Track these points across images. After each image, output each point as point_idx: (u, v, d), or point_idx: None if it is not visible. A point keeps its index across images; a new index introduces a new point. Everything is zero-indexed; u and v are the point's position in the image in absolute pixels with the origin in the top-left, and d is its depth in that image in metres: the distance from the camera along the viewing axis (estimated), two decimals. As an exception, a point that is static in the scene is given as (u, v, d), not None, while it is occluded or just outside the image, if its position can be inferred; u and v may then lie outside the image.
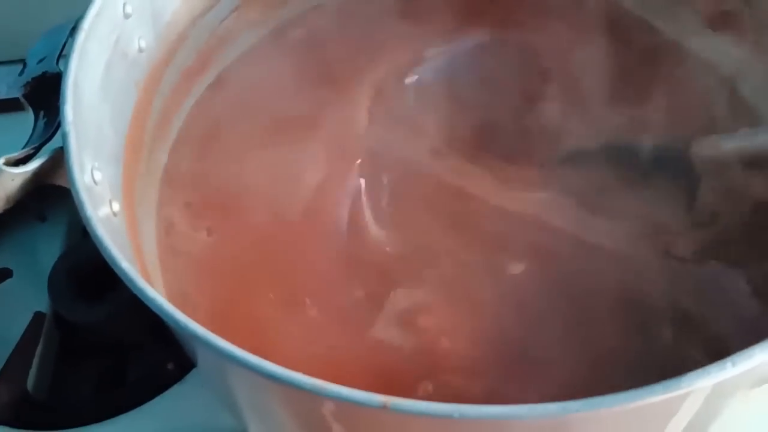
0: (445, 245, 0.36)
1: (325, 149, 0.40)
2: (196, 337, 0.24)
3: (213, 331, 0.24)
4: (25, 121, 0.54)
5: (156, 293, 0.25)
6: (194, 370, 0.42)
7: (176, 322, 0.24)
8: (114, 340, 0.46)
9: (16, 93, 0.53)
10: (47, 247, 0.48)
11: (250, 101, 0.42)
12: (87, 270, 0.45)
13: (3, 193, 0.28)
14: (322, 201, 0.38)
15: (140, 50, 0.36)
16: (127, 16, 0.35)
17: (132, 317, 0.44)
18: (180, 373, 0.42)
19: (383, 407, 0.22)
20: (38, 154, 0.30)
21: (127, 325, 0.44)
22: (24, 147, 0.31)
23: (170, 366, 0.42)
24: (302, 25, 0.45)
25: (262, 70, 0.43)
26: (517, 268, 0.36)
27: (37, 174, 0.29)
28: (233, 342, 0.26)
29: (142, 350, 0.45)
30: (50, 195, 0.41)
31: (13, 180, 0.28)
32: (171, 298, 0.36)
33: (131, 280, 0.25)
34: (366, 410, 0.23)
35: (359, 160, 0.40)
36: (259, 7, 0.44)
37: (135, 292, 0.25)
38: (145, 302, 0.25)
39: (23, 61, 0.43)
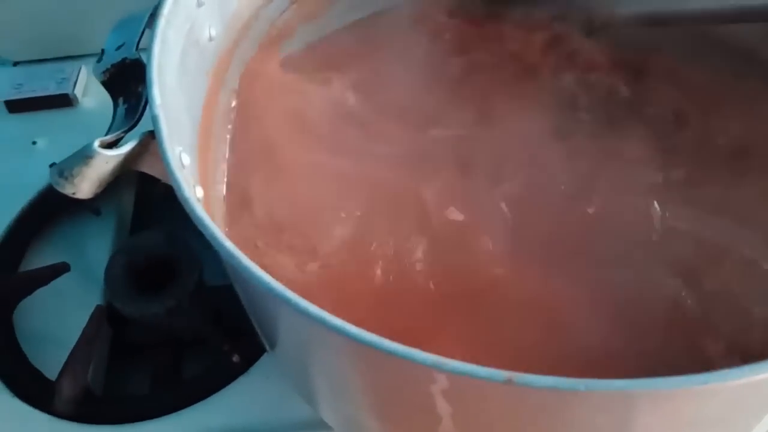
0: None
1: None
2: (307, 313, 0.23)
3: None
4: (74, 117, 0.54)
5: (264, 273, 0.25)
6: (260, 361, 0.42)
7: (290, 301, 0.24)
8: (171, 334, 0.46)
9: (67, 89, 0.53)
10: (100, 242, 0.48)
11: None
12: (143, 264, 0.45)
13: (96, 176, 0.28)
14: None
15: (210, 39, 0.36)
16: (200, 4, 0.35)
17: (192, 310, 0.44)
18: (245, 366, 0.42)
19: (508, 382, 0.22)
20: (125, 139, 0.30)
21: (187, 319, 0.44)
22: (106, 134, 0.31)
23: (235, 358, 0.42)
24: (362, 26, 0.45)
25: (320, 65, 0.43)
26: None
27: (127, 159, 0.29)
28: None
29: (199, 345, 0.45)
30: (103, 190, 0.41)
31: (107, 163, 0.28)
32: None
33: (239, 261, 0.25)
34: (487, 385, 0.22)
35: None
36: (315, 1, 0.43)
37: (243, 272, 0.25)
38: (254, 280, 0.24)
39: (76, 57, 0.43)
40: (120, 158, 0.29)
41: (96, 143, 0.28)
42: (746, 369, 0.21)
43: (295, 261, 0.35)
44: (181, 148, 0.30)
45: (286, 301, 0.24)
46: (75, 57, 0.55)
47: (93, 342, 0.43)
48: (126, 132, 0.31)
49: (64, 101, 0.53)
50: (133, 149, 0.29)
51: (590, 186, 0.37)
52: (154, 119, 0.28)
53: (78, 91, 0.54)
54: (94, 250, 0.48)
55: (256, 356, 0.42)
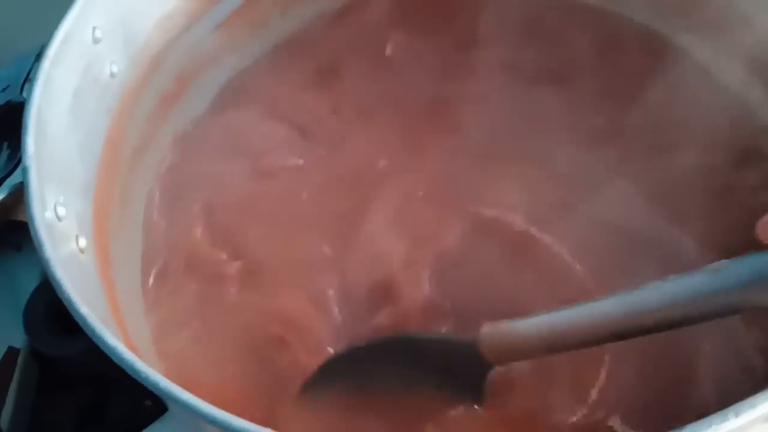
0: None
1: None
2: (158, 389, 0.22)
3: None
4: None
5: (116, 342, 0.23)
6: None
7: (135, 372, 0.22)
8: (93, 373, 0.45)
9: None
10: (24, 278, 0.47)
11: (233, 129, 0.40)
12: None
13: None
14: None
15: (112, 75, 0.35)
16: (96, 40, 0.33)
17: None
18: (159, 411, 0.40)
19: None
20: (1, 188, 0.28)
21: (107, 359, 0.42)
22: (-13, 181, 0.29)
23: (148, 403, 0.40)
24: (291, 46, 0.44)
25: (247, 94, 0.42)
26: None
27: (-3, 210, 0.28)
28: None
29: (121, 384, 0.43)
30: (26, 225, 0.40)
31: (-31, 218, 0.27)
32: (158, 332, 0.35)
33: (90, 327, 0.23)
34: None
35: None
36: (243, 27, 0.42)
37: (93, 339, 0.23)
38: (104, 351, 0.23)
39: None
40: (-15, 211, 0.27)
41: (-43, 197, 0.26)
42: None
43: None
44: (61, 198, 0.29)
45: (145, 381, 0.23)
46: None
47: (4, 385, 0.41)
48: (4, 179, 0.29)
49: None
50: (4, 201, 0.28)
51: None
52: (24, 170, 0.27)
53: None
54: (15, 287, 0.46)
55: (169, 402, 0.40)
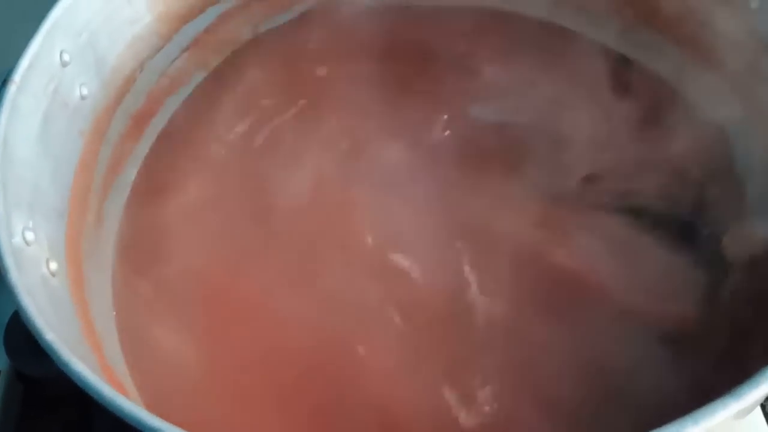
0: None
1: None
2: (126, 416, 0.22)
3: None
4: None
5: (83, 368, 0.23)
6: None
7: (102, 399, 0.22)
8: (76, 392, 0.45)
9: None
10: (3, 300, 0.46)
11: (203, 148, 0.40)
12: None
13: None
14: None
15: (82, 98, 0.35)
16: (65, 64, 0.34)
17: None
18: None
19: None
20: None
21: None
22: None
23: (130, 422, 0.40)
24: (257, 64, 0.44)
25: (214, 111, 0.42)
26: None
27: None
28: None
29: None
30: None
31: (-64, 247, 0.27)
32: (130, 352, 0.35)
33: (56, 354, 0.23)
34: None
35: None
36: (212, 46, 0.42)
37: (59, 365, 0.23)
38: (71, 377, 0.23)
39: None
40: (-49, 241, 0.27)
41: None
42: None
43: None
44: (30, 223, 0.29)
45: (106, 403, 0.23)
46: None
47: (-14, 408, 0.41)
48: (-27, 206, 0.29)
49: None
50: (-29, 227, 0.28)
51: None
52: (-11, 198, 0.27)
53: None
54: (-2, 308, 0.46)
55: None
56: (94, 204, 0.36)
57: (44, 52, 0.32)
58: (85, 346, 0.30)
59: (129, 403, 0.22)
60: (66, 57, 0.34)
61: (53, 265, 0.30)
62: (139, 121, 0.40)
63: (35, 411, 0.45)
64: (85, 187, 0.35)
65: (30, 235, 0.29)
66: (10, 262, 0.26)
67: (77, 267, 0.33)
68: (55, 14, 0.33)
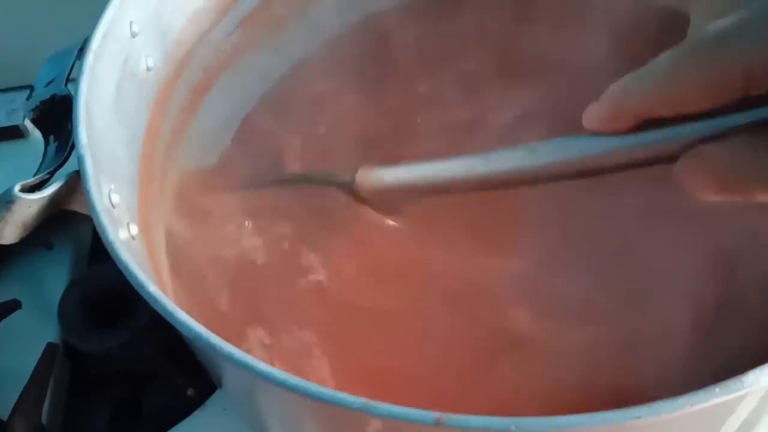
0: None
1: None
2: (231, 359, 0.23)
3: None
4: (25, 148, 0.53)
5: (187, 316, 0.24)
6: (216, 394, 0.41)
7: (210, 344, 0.23)
8: (128, 368, 0.45)
9: (17, 120, 0.52)
10: (55, 276, 0.47)
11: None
12: (97, 297, 0.44)
13: (20, 220, 0.27)
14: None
15: (148, 69, 0.36)
16: (134, 35, 0.34)
17: (146, 344, 0.43)
18: (200, 399, 0.41)
19: (437, 424, 0.21)
20: (53, 180, 0.29)
21: (142, 353, 0.43)
22: (36, 173, 0.30)
23: (190, 392, 0.41)
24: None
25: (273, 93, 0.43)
26: None
27: (53, 200, 0.28)
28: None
29: (158, 378, 0.44)
30: (56, 222, 0.40)
31: (30, 207, 0.27)
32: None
33: (160, 304, 0.24)
34: (418, 428, 0.22)
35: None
36: (265, 24, 0.43)
37: (164, 315, 0.24)
38: (176, 326, 0.24)
39: (27, 87, 0.42)
40: (44, 201, 0.28)
41: (17, 188, 0.27)
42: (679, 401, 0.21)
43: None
44: (112, 186, 0.30)
45: (219, 351, 0.23)
46: (25, 87, 0.54)
47: (45, 381, 0.42)
48: (55, 170, 0.30)
49: (14, 133, 0.52)
50: (59, 190, 0.28)
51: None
52: (80, 159, 0.28)
53: (29, 122, 0.53)
54: (47, 285, 0.46)
55: (211, 390, 0.41)
56: (157, 175, 0.37)
57: (116, 23, 0.33)
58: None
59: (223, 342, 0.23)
60: (135, 28, 0.34)
61: (134, 229, 0.30)
62: (196, 94, 0.40)
63: (84, 390, 0.46)
64: (151, 158, 0.36)
65: (115, 198, 0.29)
66: (105, 221, 0.26)
67: (149, 235, 0.34)
68: (125, -15, 0.34)
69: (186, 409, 0.41)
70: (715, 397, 0.21)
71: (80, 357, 0.46)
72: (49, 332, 0.45)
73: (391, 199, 0.34)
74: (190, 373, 0.41)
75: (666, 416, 0.21)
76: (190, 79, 0.39)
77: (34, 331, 0.45)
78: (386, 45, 0.45)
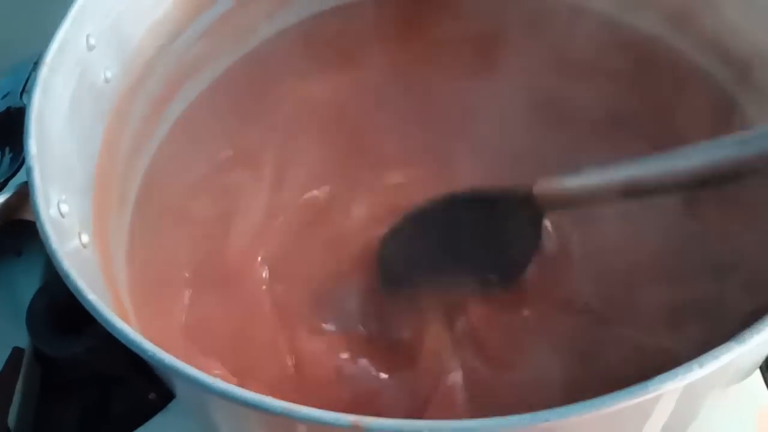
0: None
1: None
2: (165, 366, 0.24)
3: (186, 359, 0.24)
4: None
5: (123, 324, 0.25)
6: (176, 399, 0.42)
7: (143, 351, 0.24)
8: (95, 373, 0.46)
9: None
10: (24, 283, 0.48)
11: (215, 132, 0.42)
12: (65, 304, 0.45)
13: (-31, 230, 0.28)
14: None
15: (106, 81, 0.37)
16: (91, 48, 0.35)
17: (111, 350, 0.43)
18: (162, 403, 0.42)
19: (354, 427, 0.22)
20: (4, 190, 0.30)
21: (108, 358, 0.44)
22: (-9, 184, 0.31)
23: (152, 396, 0.42)
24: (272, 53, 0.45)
25: (231, 98, 0.44)
26: None
27: (4, 209, 0.29)
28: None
29: (123, 383, 0.45)
30: (26, 229, 0.41)
31: (-22, 216, 0.28)
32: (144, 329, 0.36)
33: (97, 312, 0.25)
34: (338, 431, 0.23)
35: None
36: (226, 35, 0.44)
37: (101, 323, 0.25)
38: (113, 333, 0.25)
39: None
40: (-8, 210, 0.29)
41: (-36, 197, 0.28)
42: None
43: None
44: (63, 196, 0.31)
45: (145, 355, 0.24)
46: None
47: (10, 385, 0.42)
48: (7, 180, 0.31)
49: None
50: (9, 200, 0.29)
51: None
52: (28, 170, 0.29)
53: None
54: (17, 291, 0.47)
55: (171, 395, 0.42)
56: (117, 185, 0.38)
57: (72, 36, 0.34)
58: (116, 314, 0.31)
59: (170, 356, 0.23)
60: (92, 41, 0.35)
61: (85, 238, 0.31)
62: (158, 104, 0.41)
63: (54, 394, 0.47)
64: (108, 168, 0.37)
65: (65, 208, 0.30)
66: (49, 230, 0.27)
67: (104, 242, 0.34)
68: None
69: (148, 412, 0.42)
70: (621, 400, 0.22)
71: (50, 362, 0.47)
72: (20, 338, 0.46)
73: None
74: (151, 377, 0.42)
75: (575, 419, 0.22)
76: (151, 90, 0.40)
77: (4, 337, 0.46)
78: (341, 50, 0.46)
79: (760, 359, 0.30)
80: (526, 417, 0.21)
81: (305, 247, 0.39)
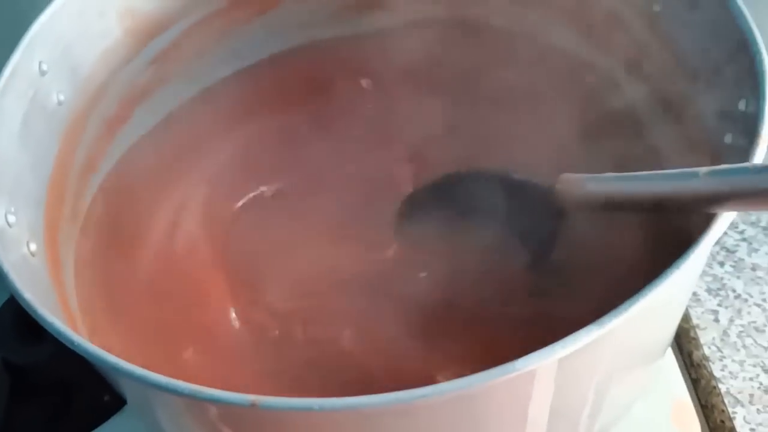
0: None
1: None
2: (104, 363, 0.26)
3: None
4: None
5: (55, 319, 0.27)
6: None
7: (64, 337, 0.27)
8: (61, 378, 0.49)
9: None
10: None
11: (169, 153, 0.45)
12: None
13: None
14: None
15: (59, 103, 0.39)
16: (43, 73, 0.38)
17: (72, 355, 0.46)
18: (116, 405, 0.44)
19: (253, 405, 0.24)
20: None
21: (69, 363, 0.46)
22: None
23: (106, 398, 0.44)
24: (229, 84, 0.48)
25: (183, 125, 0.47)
26: None
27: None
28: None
29: (83, 387, 0.47)
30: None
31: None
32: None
33: (34, 310, 0.28)
34: (242, 410, 0.25)
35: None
36: (177, 60, 0.47)
37: (38, 320, 0.27)
38: (47, 329, 0.27)
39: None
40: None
41: None
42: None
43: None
44: (12, 208, 0.33)
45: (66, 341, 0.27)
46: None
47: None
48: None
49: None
50: (-41, 213, 0.32)
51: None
52: (-24, 184, 0.32)
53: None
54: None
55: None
56: (70, 199, 0.40)
57: (24, 62, 0.37)
58: (61, 316, 0.34)
59: (108, 354, 0.26)
60: (44, 66, 0.38)
61: (33, 246, 0.34)
62: (112, 125, 0.44)
63: (22, 398, 0.49)
64: (61, 183, 0.39)
65: (12, 218, 0.33)
66: (-10, 240, 0.30)
67: (54, 251, 0.37)
68: (34, 28, 0.37)
69: (103, 415, 0.44)
70: (493, 377, 0.24)
71: (19, 369, 0.49)
72: (-12, 347, 0.48)
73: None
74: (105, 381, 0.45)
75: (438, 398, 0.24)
76: (104, 112, 0.43)
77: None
78: (297, 79, 0.49)
79: (644, 339, 0.32)
80: (405, 394, 0.24)
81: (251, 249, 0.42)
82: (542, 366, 0.25)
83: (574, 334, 0.25)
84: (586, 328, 0.25)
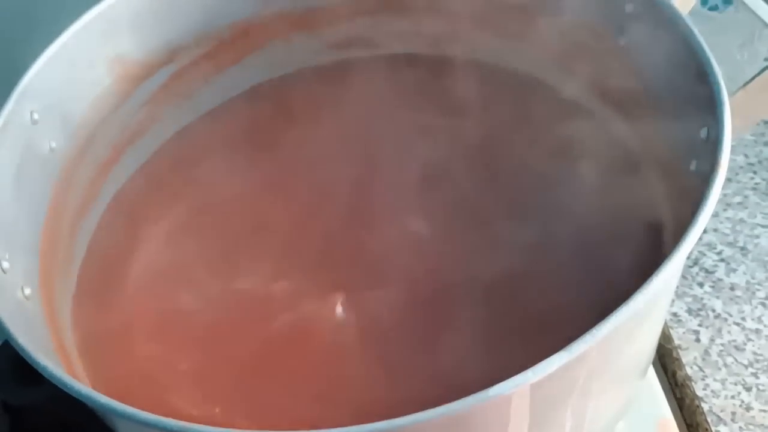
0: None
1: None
2: (78, 395, 0.27)
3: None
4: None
5: (49, 364, 0.28)
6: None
7: (57, 380, 0.28)
8: (59, 420, 0.49)
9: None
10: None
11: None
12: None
13: None
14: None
15: (51, 150, 0.41)
16: (35, 122, 0.39)
17: (71, 396, 0.47)
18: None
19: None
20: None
21: (69, 405, 0.47)
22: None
23: (105, 437, 0.45)
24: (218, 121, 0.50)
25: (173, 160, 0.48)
26: None
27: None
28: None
29: (84, 429, 0.48)
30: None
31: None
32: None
33: (28, 354, 0.29)
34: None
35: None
36: (166, 102, 0.48)
37: (30, 363, 0.28)
38: (39, 370, 0.28)
39: None
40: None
41: None
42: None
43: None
44: (6, 255, 0.35)
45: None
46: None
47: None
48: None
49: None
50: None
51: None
52: (-29, 233, 0.33)
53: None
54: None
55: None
56: (63, 242, 0.42)
57: (16, 112, 0.38)
58: (56, 359, 0.35)
59: (103, 396, 0.27)
60: (36, 116, 0.39)
61: (27, 290, 0.35)
62: (104, 168, 0.45)
63: (21, 439, 0.50)
64: (55, 227, 0.40)
65: (6, 264, 0.34)
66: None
67: (49, 294, 0.38)
68: (26, 79, 0.39)
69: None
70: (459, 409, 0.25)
71: (17, 411, 0.50)
72: (-13, 389, 0.49)
73: None
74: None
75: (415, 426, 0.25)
76: (96, 156, 0.44)
77: (-27, 389, 0.49)
78: (288, 114, 0.50)
79: (619, 362, 0.33)
80: (381, 425, 0.25)
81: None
82: (516, 392, 0.26)
83: (545, 360, 0.26)
84: (557, 354, 0.26)
